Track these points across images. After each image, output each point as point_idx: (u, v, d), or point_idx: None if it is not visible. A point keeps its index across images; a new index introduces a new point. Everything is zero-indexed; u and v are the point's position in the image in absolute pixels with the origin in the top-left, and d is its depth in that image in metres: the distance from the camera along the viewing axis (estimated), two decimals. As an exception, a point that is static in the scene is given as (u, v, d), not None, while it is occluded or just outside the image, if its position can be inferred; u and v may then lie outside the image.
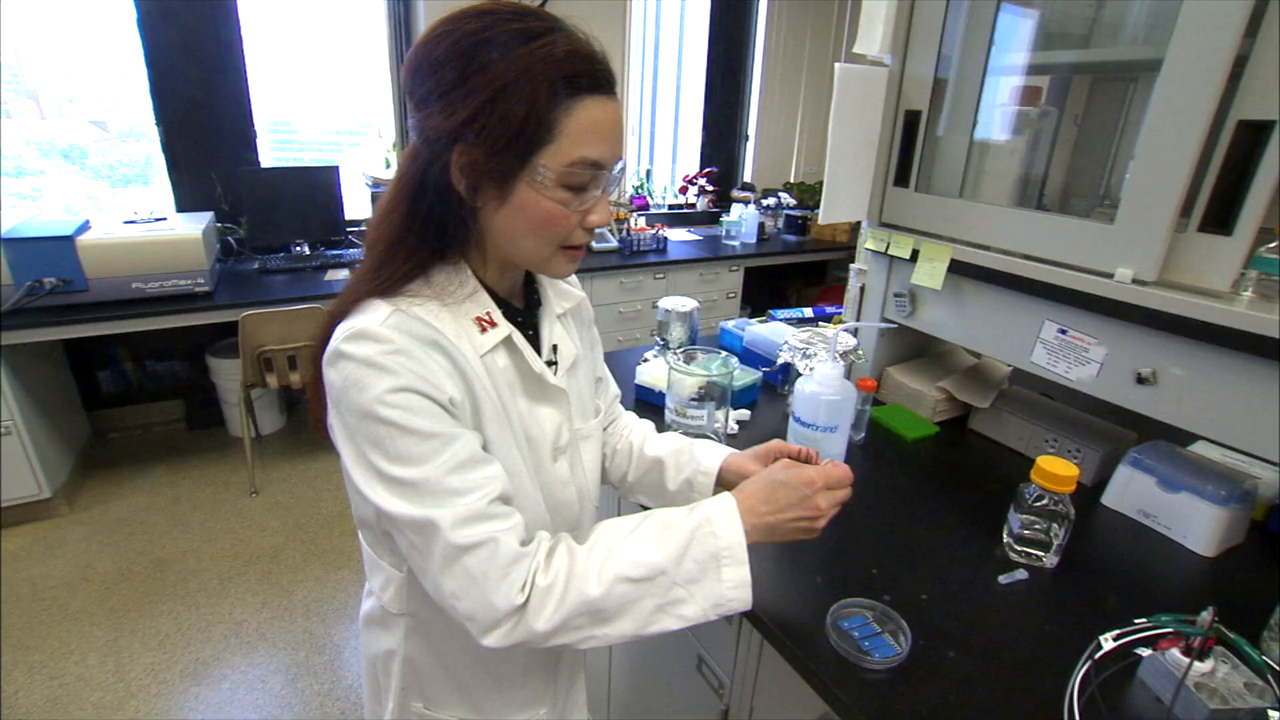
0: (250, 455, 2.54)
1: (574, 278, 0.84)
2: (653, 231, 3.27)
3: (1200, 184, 0.84)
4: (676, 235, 3.63)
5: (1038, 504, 0.88)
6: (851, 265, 1.41)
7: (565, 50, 0.56)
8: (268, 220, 2.72)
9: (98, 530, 2.30)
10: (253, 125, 2.83)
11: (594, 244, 3.16)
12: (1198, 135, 0.81)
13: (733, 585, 0.62)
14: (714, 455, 0.83)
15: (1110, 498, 1.05)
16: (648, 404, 1.31)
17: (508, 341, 0.67)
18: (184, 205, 2.77)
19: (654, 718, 1.21)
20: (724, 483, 0.81)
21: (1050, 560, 0.90)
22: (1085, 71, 1.17)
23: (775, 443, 0.82)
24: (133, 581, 2.08)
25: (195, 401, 2.97)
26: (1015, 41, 1.12)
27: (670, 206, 3.97)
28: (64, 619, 1.92)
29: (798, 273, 4.14)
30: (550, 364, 0.74)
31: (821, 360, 0.96)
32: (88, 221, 2.23)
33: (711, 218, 3.91)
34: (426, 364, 0.59)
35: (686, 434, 1.12)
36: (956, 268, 1.13)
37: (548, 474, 0.73)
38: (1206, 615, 0.65)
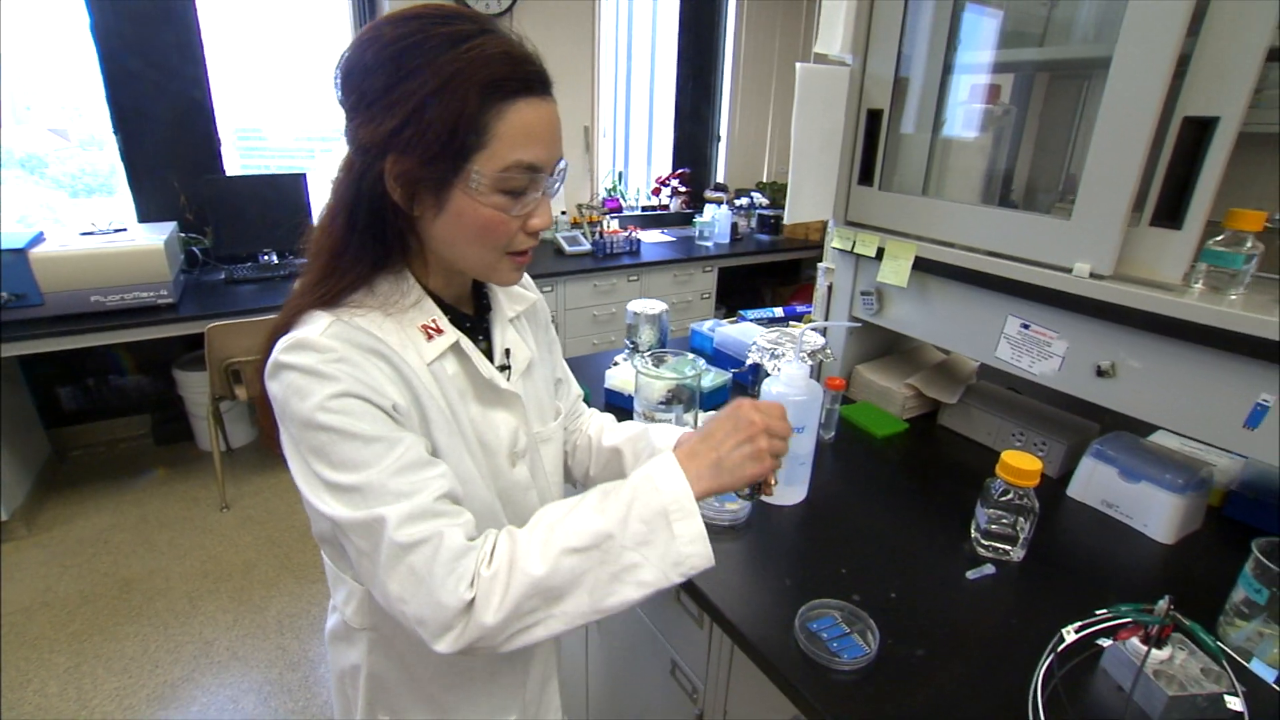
0: (220, 469, 2.48)
1: (529, 280, 0.83)
2: (626, 234, 3.26)
3: (1151, 179, 0.86)
4: (650, 237, 3.63)
5: (1003, 499, 0.89)
6: (819, 264, 1.42)
7: (494, 53, 0.55)
8: (234, 229, 2.66)
9: (59, 552, 2.23)
10: (216, 133, 2.78)
11: (567, 248, 3.15)
12: (1146, 131, 0.83)
13: (688, 540, 0.58)
14: (669, 435, 0.82)
15: (1075, 489, 1.07)
16: (618, 408, 1.30)
17: (455, 348, 0.67)
18: (146, 215, 2.71)
19: (632, 724, 1.20)
20: None
21: (1017, 554, 0.91)
22: (1042, 70, 1.18)
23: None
24: (96, 604, 2.02)
25: (162, 416, 2.90)
26: (974, 40, 1.14)
27: (643, 208, 3.97)
28: (21, 646, 1.86)
29: (772, 272, 4.16)
30: (504, 369, 0.73)
31: (788, 361, 0.96)
32: (42, 234, 2.17)
33: (685, 219, 3.91)
34: (369, 370, 0.58)
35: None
36: (921, 265, 1.14)
37: (506, 479, 0.72)
38: (1163, 604, 0.66)
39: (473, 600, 0.57)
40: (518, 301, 0.79)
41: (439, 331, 0.65)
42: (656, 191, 3.95)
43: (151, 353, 2.76)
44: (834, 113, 1.19)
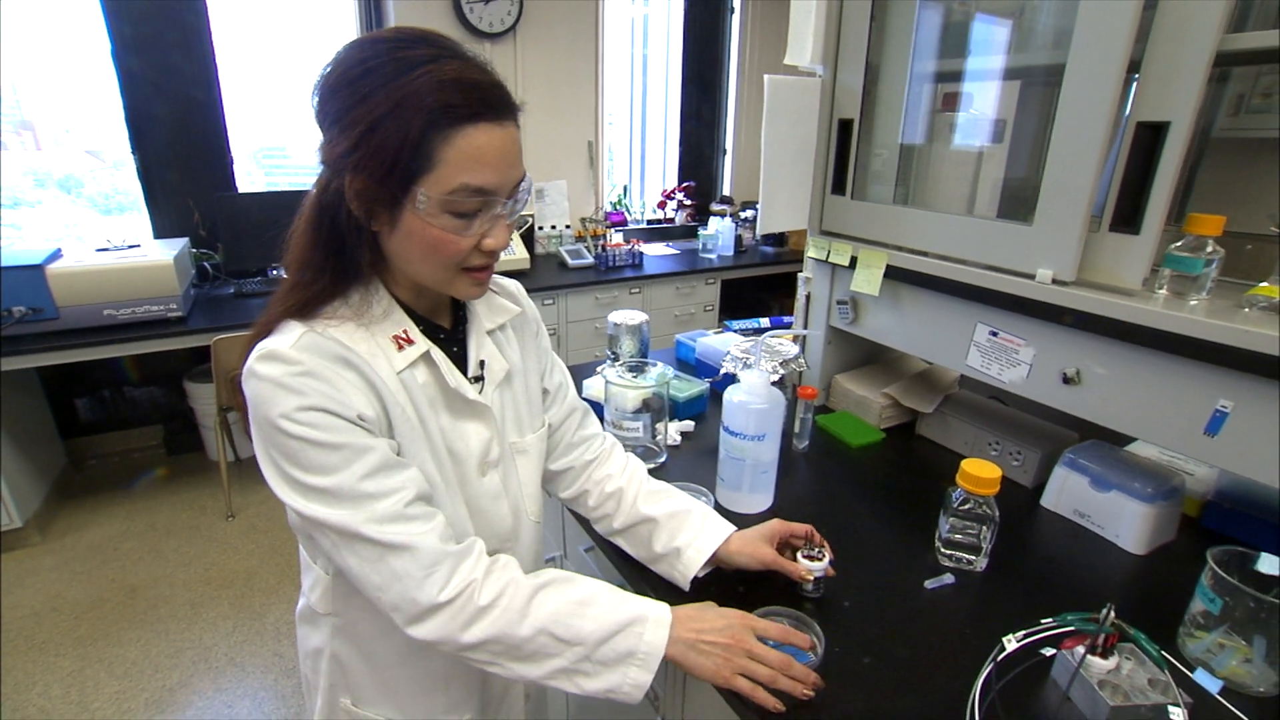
0: (226, 479, 2.53)
1: (519, 290, 0.85)
2: (628, 247, 3.29)
3: (1110, 185, 0.85)
4: (655, 250, 3.65)
5: (963, 507, 0.88)
6: (799, 274, 1.42)
7: (444, 78, 0.56)
8: (244, 244, 2.73)
9: (70, 559, 2.29)
10: (229, 152, 2.87)
11: (570, 260, 3.18)
12: (1100, 137, 0.82)
13: (631, 684, 0.65)
14: (717, 533, 0.82)
15: (1048, 499, 1.05)
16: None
17: (426, 358, 0.69)
18: (162, 232, 2.79)
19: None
20: (720, 559, 0.83)
21: (980, 563, 0.89)
22: (1011, 77, 1.18)
23: (776, 523, 0.85)
24: (102, 610, 2.06)
25: (174, 426, 2.98)
26: (941, 48, 1.14)
27: (649, 222, 4.00)
28: (29, 650, 1.91)
29: (779, 284, 4.14)
30: (477, 380, 0.75)
31: (748, 369, 0.97)
32: (59, 250, 2.25)
33: (690, 232, 3.93)
34: (335, 383, 0.61)
35: (624, 446, 1.12)
36: (893, 273, 1.14)
37: (474, 488, 0.74)
38: (1105, 612, 0.65)
39: (450, 603, 0.62)
40: (499, 313, 0.80)
41: (409, 342, 0.67)
42: (662, 205, 3.98)
43: (164, 365, 2.83)
44: (806, 123, 1.20)
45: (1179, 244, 0.84)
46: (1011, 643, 0.67)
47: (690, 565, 0.81)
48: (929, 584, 0.86)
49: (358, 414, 0.61)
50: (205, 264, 2.72)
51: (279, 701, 1.77)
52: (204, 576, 2.22)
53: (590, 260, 3.21)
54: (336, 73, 0.59)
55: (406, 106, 0.55)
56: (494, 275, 0.83)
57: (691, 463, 1.16)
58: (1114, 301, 0.85)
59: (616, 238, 3.45)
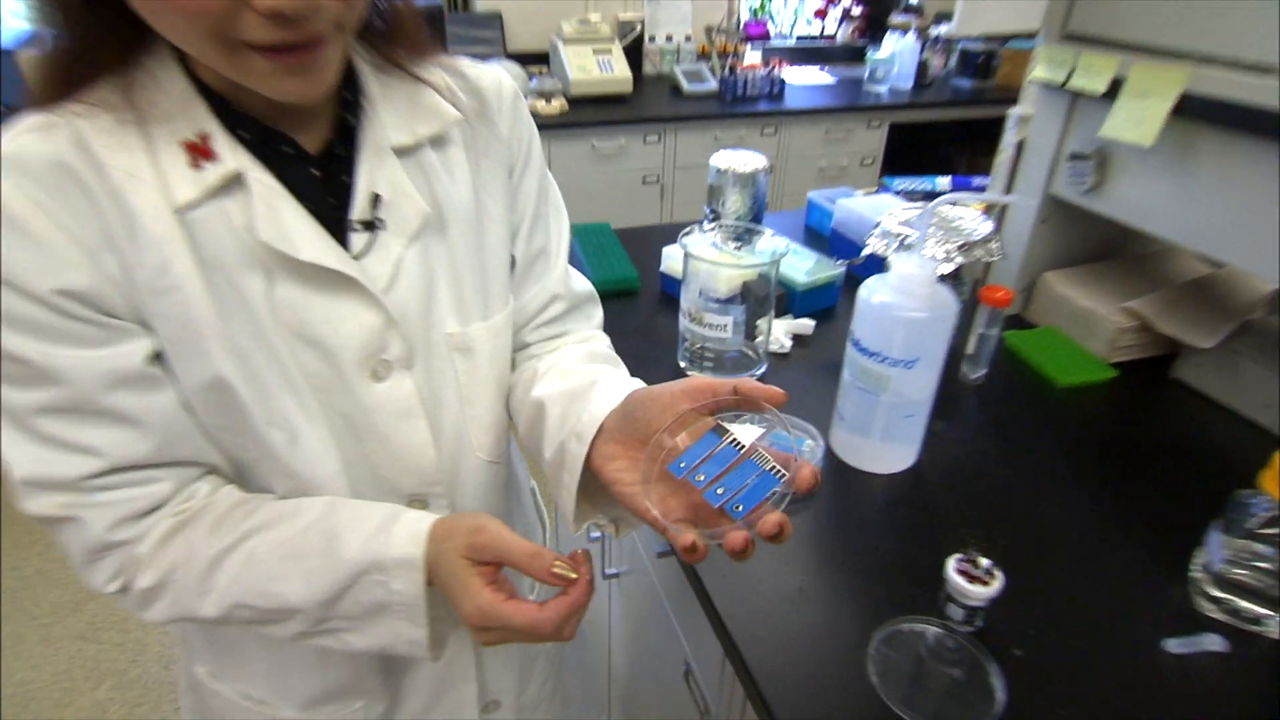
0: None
1: (495, 85, 0.60)
2: (767, 70, 2.88)
3: None
4: (803, 77, 3.22)
5: (1267, 530, 0.61)
6: (1011, 110, 1.07)
7: None
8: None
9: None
10: None
11: (686, 85, 2.82)
12: None
13: (407, 643, 0.55)
14: (614, 391, 0.55)
15: None
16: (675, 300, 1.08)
17: (239, 184, 0.47)
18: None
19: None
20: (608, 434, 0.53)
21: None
22: None
23: (702, 380, 0.51)
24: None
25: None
26: None
27: (800, 38, 3.54)
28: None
29: (975, 134, 3.56)
30: (370, 225, 0.53)
31: (905, 256, 0.68)
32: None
33: (857, 55, 3.44)
34: (35, 225, 0.43)
35: (706, 348, 0.90)
36: (1190, 106, 0.79)
37: (356, 398, 0.55)
38: None
39: (118, 591, 0.55)
40: (422, 118, 0.55)
41: (208, 155, 0.46)
42: (821, 14, 3.50)
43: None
44: None
45: None
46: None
47: (573, 468, 0.53)
48: (1172, 644, 0.62)
49: (60, 288, 0.44)
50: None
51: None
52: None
53: (714, 86, 2.86)
54: None
55: None
56: (459, 60, 0.59)
57: (802, 383, 0.96)
58: None
59: (753, 57, 3.07)
